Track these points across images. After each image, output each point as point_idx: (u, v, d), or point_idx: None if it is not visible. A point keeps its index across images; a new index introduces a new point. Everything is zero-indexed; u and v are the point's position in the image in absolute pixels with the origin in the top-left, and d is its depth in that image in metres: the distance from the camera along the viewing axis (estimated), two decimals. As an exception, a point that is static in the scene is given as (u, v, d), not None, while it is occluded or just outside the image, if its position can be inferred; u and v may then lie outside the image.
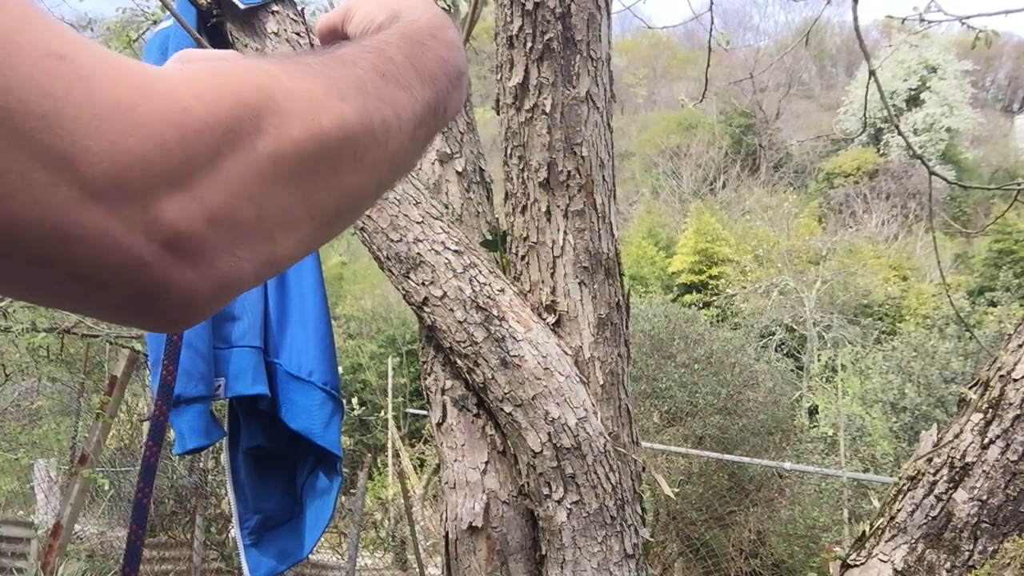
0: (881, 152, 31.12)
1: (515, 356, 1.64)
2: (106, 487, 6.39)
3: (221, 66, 0.38)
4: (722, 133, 32.48)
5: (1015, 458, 1.47)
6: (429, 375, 1.86)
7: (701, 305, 19.17)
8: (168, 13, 1.92)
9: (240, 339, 2.02)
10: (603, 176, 1.70)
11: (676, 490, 6.88)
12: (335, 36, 0.65)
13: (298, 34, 1.86)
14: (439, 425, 1.84)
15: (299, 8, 1.93)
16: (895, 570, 1.55)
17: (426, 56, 0.52)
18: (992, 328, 11.27)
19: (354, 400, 10.89)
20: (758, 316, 18.33)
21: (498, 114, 1.76)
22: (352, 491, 6.86)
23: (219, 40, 1.93)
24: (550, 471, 1.63)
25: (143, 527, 0.73)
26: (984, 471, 1.49)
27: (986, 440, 1.50)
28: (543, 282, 1.72)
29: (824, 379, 15.19)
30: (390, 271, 1.74)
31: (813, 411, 13.68)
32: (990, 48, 2.92)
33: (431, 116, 0.50)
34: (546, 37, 1.59)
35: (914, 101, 31.74)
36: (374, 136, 0.43)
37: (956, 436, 1.55)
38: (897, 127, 2.73)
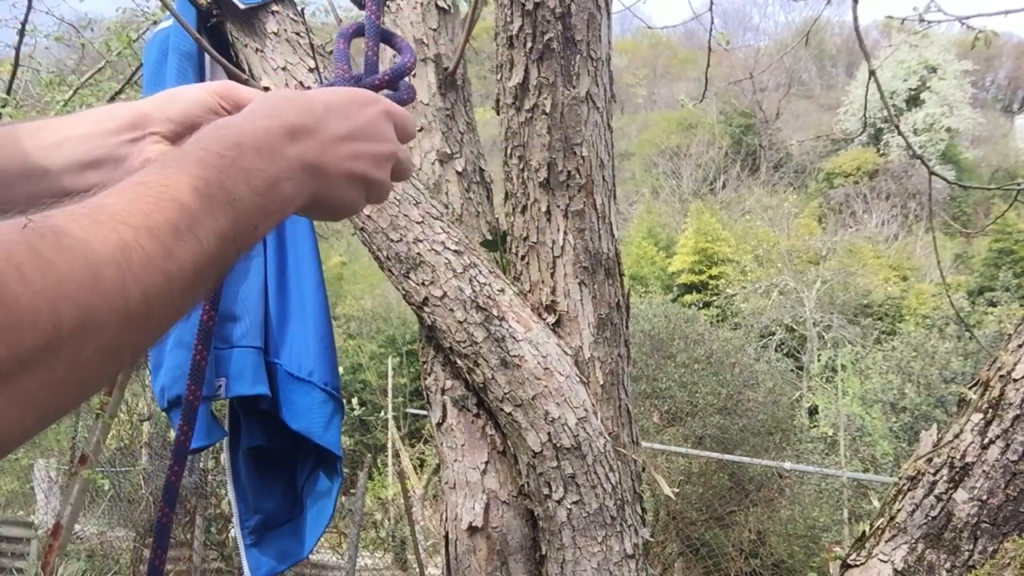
0: (881, 152, 31.11)
1: (515, 356, 1.64)
2: (106, 487, 6.39)
3: None
4: (722, 133, 32.48)
5: (1015, 458, 1.47)
6: (429, 375, 1.86)
7: (701, 305, 19.16)
8: (168, 13, 1.92)
9: (241, 339, 2.02)
10: (603, 176, 1.70)
11: (676, 490, 6.88)
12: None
13: (298, 34, 1.86)
14: (439, 425, 1.84)
15: (299, 8, 1.93)
16: (895, 570, 1.55)
17: (238, 180, 0.52)
18: (992, 328, 11.28)
19: (354, 400, 10.88)
20: (758, 316, 18.33)
21: (498, 114, 1.76)
22: (352, 491, 6.86)
23: (219, 40, 1.93)
24: (550, 471, 1.63)
25: (172, 507, 0.75)
26: (984, 471, 1.49)
27: (986, 440, 1.50)
28: (543, 282, 1.72)
29: (824, 379, 15.19)
30: (390, 271, 1.74)
31: (813, 411, 13.68)
32: (990, 48, 2.92)
33: (227, 246, 0.50)
34: (546, 37, 1.59)
35: (914, 101, 31.74)
36: (126, 318, 0.43)
37: (956, 436, 1.55)
38: (897, 127, 2.73)
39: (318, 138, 0.61)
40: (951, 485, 1.52)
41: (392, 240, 1.70)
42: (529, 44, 1.60)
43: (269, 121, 0.58)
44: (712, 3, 3.17)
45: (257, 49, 1.83)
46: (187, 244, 0.47)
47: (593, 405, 1.67)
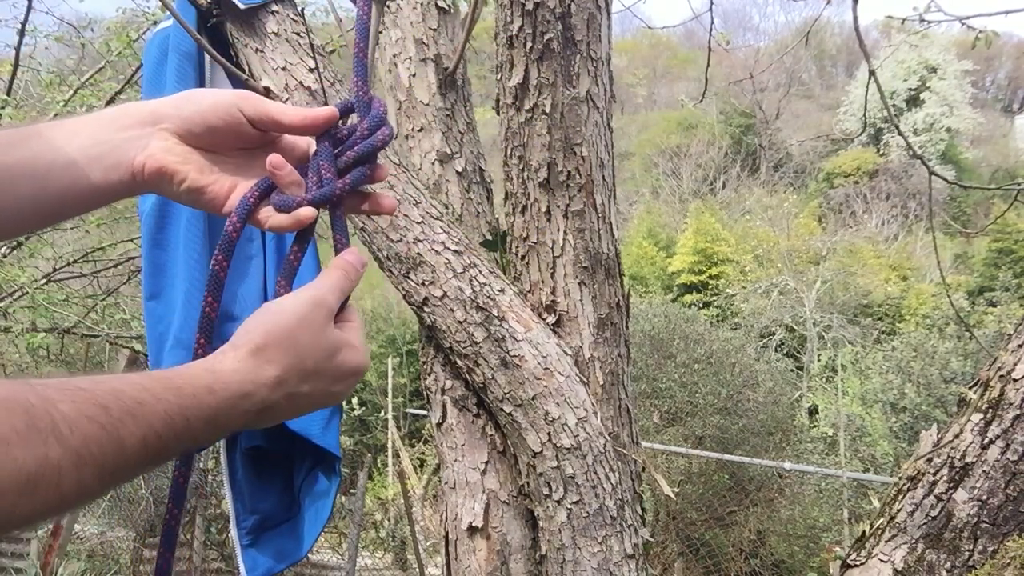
0: (881, 152, 31.12)
1: (515, 356, 1.64)
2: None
3: None
4: (722, 133, 32.48)
5: (1015, 458, 1.47)
6: (429, 375, 1.86)
7: (701, 305, 19.18)
8: (168, 13, 1.92)
9: (240, 339, 2.02)
10: (603, 176, 1.69)
11: (676, 490, 6.88)
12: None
13: (298, 34, 1.86)
14: (439, 425, 1.84)
15: (299, 8, 1.93)
16: (895, 570, 1.55)
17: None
18: (992, 328, 11.28)
19: (354, 400, 10.88)
20: (758, 316, 18.33)
21: (498, 114, 1.76)
22: (352, 491, 6.86)
23: (219, 40, 1.93)
24: (550, 471, 1.63)
25: (180, 509, 0.76)
26: (984, 471, 1.49)
27: (986, 440, 1.50)
28: (543, 282, 1.72)
29: (824, 379, 15.19)
30: (390, 271, 1.74)
31: (813, 411, 13.68)
32: (990, 48, 2.92)
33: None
34: (546, 37, 1.59)
35: (914, 101, 31.74)
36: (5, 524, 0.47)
37: (956, 436, 1.55)
38: (897, 127, 2.73)
39: (279, 409, 0.65)
40: (951, 485, 1.52)
41: (392, 240, 1.70)
42: (529, 44, 1.60)
43: (252, 404, 0.62)
44: (712, 3, 3.17)
45: (257, 49, 1.83)
46: (101, 481, 0.51)
47: (593, 405, 1.67)
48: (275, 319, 0.65)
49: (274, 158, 0.73)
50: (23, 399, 0.47)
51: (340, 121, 0.77)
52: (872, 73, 2.46)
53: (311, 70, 1.80)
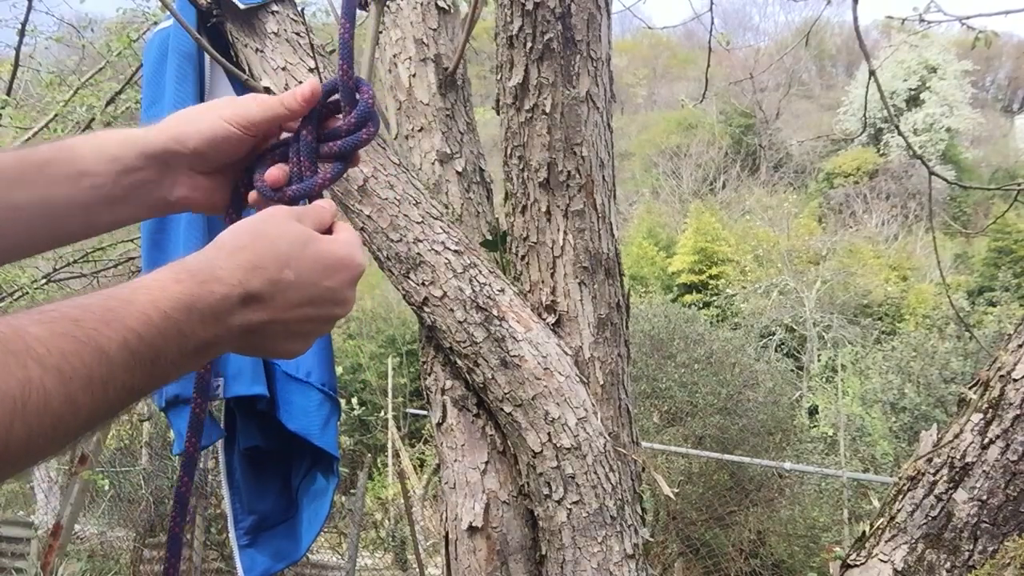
0: (881, 152, 31.11)
1: (515, 356, 1.64)
2: (106, 487, 6.39)
3: None
4: (722, 133, 32.48)
5: (1015, 458, 1.47)
6: (429, 375, 1.86)
7: (701, 305, 19.17)
8: (168, 13, 1.92)
9: (240, 339, 2.02)
10: (603, 176, 1.69)
11: (676, 490, 6.88)
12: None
13: (298, 34, 1.86)
14: (439, 425, 1.84)
15: (299, 8, 1.93)
16: (895, 570, 1.55)
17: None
18: (992, 328, 11.27)
19: (354, 400, 10.88)
20: (758, 316, 18.32)
21: (498, 114, 1.76)
22: (352, 491, 6.86)
23: (219, 40, 1.93)
24: (550, 471, 1.63)
25: (183, 517, 0.76)
26: (984, 471, 1.49)
27: (986, 440, 1.50)
28: (543, 282, 1.72)
29: (824, 379, 15.18)
30: (390, 271, 1.74)
31: (813, 411, 13.67)
32: (990, 48, 2.92)
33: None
34: (546, 37, 1.59)
35: (914, 101, 31.73)
36: (2, 452, 0.45)
37: (956, 436, 1.55)
38: (897, 127, 2.73)
39: (272, 306, 0.62)
40: (951, 485, 1.52)
41: (392, 240, 1.70)
42: (529, 44, 1.60)
43: (229, 288, 0.59)
44: (712, 3, 3.17)
45: (257, 49, 1.83)
46: (93, 396, 0.49)
47: (593, 405, 1.67)
48: (233, 226, 0.64)
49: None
50: None
51: (325, 99, 0.77)
52: (872, 73, 2.46)
53: (311, 70, 1.80)
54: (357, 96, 0.76)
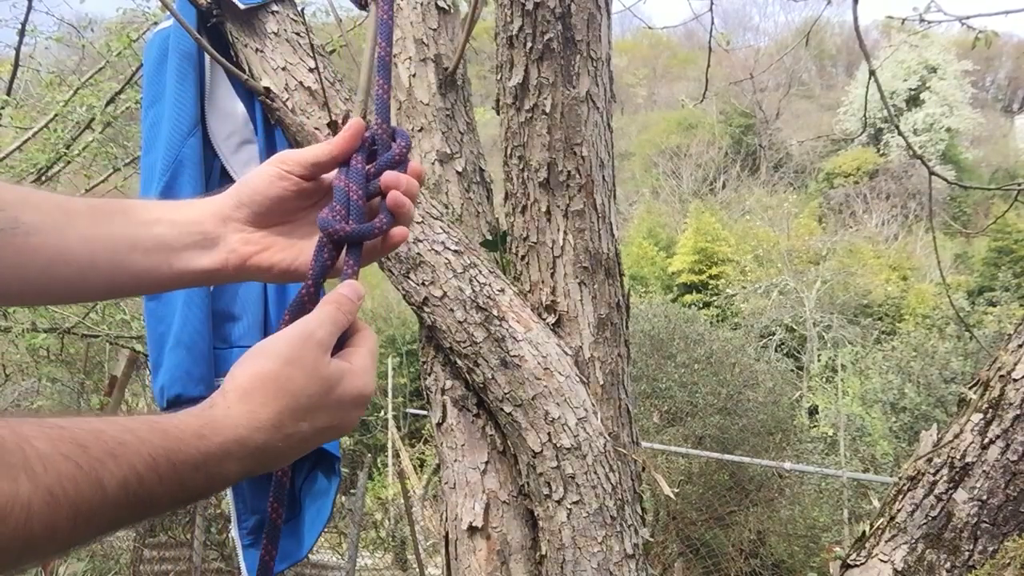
0: (881, 152, 31.13)
1: (515, 356, 1.64)
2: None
3: None
4: (722, 133, 32.49)
5: (1015, 458, 1.47)
6: (429, 375, 1.86)
7: (701, 305, 19.18)
8: (168, 13, 1.92)
9: (240, 339, 2.02)
10: (603, 176, 1.69)
11: (676, 490, 6.88)
12: None
13: (298, 34, 1.86)
14: (439, 425, 1.84)
15: (299, 8, 1.93)
16: (895, 570, 1.55)
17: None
18: (992, 328, 11.27)
19: (354, 400, 10.85)
20: (758, 316, 18.33)
21: (498, 114, 1.76)
22: (352, 491, 6.86)
23: (219, 40, 1.93)
24: (550, 471, 1.63)
25: (282, 504, 0.83)
26: (984, 471, 1.49)
27: (986, 440, 1.50)
28: (543, 282, 1.72)
29: (824, 379, 15.19)
30: (390, 271, 1.74)
31: (813, 411, 13.67)
32: (990, 48, 2.92)
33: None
34: (546, 37, 1.59)
35: (914, 101, 31.75)
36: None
37: (956, 436, 1.55)
38: (897, 127, 2.73)
39: (281, 453, 0.62)
40: (951, 485, 1.52)
41: (392, 240, 1.70)
42: (529, 44, 1.60)
43: (245, 453, 0.59)
44: (712, 3, 3.17)
45: (257, 49, 1.83)
46: (76, 525, 0.48)
47: (593, 405, 1.67)
48: (262, 362, 0.63)
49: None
50: None
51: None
52: (872, 73, 2.46)
53: (311, 70, 1.80)
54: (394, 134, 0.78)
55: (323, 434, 0.65)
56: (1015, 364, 1.51)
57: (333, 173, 0.77)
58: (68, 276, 0.72)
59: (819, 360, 17.29)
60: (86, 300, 0.80)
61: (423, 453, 10.49)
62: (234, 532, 2.16)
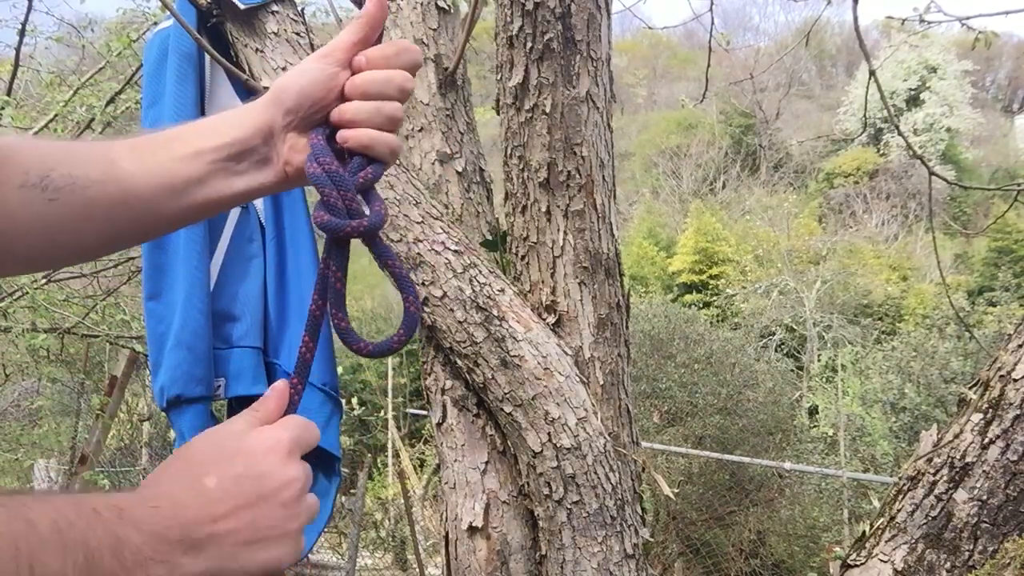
0: (881, 152, 31.11)
1: (515, 356, 1.64)
2: (106, 487, 6.39)
3: None
4: (722, 133, 32.47)
5: (1015, 458, 1.47)
6: (429, 375, 1.86)
7: (701, 305, 19.17)
8: (168, 13, 1.92)
9: (240, 340, 2.02)
10: (603, 176, 1.70)
11: (676, 490, 6.88)
12: None
13: (298, 34, 1.86)
14: (439, 425, 1.84)
15: (299, 8, 1.93)
16: (895, 570, 1.55)
17: None
18: (992, 328, 11.27)
19: (354, 400, 10.87)
20: (758, 316, 18.32)
21: (498, 114, 1.76)
22: (352, 491, 6.86)
23: (219, 40, 1.93)
24: (550, 471, 1.63)
25: (315, 339, 0.76)
26: (984, 471, 1.49)
27: (986, 440, 1.50)
28: (543, 282, 1.72)
29: (824, 379, 15.18)
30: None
31: (813, 411, 13.66)
32: (990, 48, 2.92)
33: None
34: (546, 37, 1.59)
35: (914, 101, 31.73)
36: None
37: (956, 436, 1.55)
38: (897, 127, 2.73)
39: (189, 503, 0.56)
40: (951, 485, 1.52)
41: (392, 240, 1.70)
42: (529, 44, 1.60)
43: (165, 527, 0.53)
44: (712, 3, 3.17)
45: (257, 49, 1.83)
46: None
47: (593, 405, 1.67)
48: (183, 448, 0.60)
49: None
50: None
51: None
52: (872, 73, 2.46)
53: (311, 70, 1.80)
54: None
55: (240, 484, 0.58)
56: (1015, 364, 1.51)
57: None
58: (133, 217, 0.73)
59: (819, 360, 17.28)
60: (158, 235, 0.79)
61: (423, 453, 10.49)
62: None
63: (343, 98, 0.75)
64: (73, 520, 0.48)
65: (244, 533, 0.57)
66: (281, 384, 0.69)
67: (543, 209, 1.68)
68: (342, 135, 0.73)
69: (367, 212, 0.73)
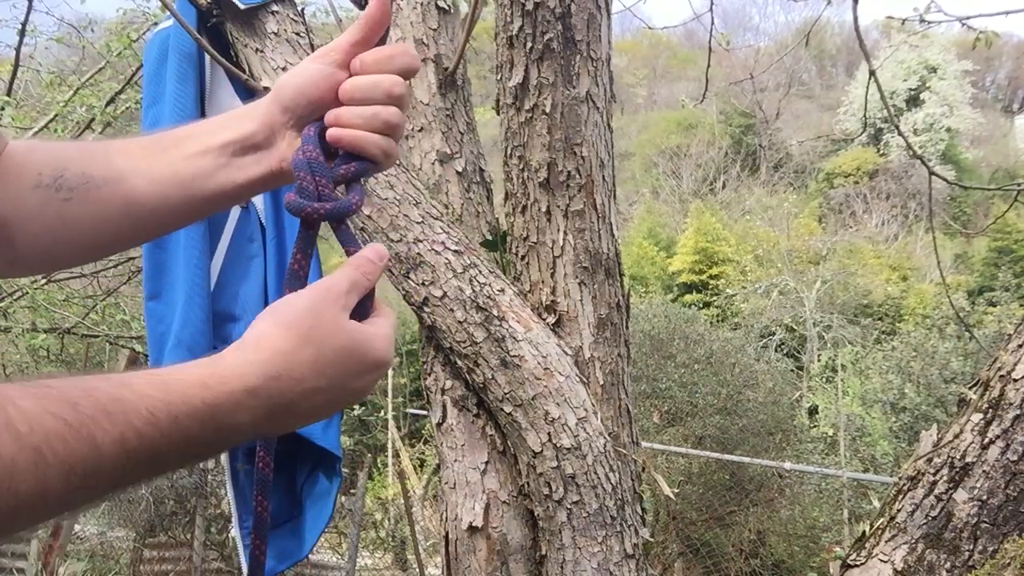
0: (881, 152, 31.11)
1: (515, 356, 1.64)
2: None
3: None
4: (722, 133, 32.48)
5: (1015, 458, 1.47)
6: (429, 375, 1.86)
7: (701, 305, 19.17)
8: (168, 13, 1.92)
9: (240, 339, 2.02)
10: (603, 176, 1.69)
11: (676, 490, 6.88)
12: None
13: (298, 34, 1.86)
14: (439, 425, 1.84)
15: (299, 8, 1.93)
16: (895, 570, 1.55)
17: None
18: (992, 328, 11.26)
19: (354, 400, 10.84)
20: (758, 316, 18.32)
21: (498, 114, 1.76)
22: (352, 491, 6.87)
23: (219, 40, 1.93)
24: (550, 471, 1.63)
25: (264, 541, 0.77)
26: (984, 471, 1.49)
27: (986, 440, 1.50)
28: (543, 282, 1.72)
29: (824, 379, 15.18)
30: (390, 271, 1.74)
31: (813, 411, 13.66)
32: (990, 48, 2.92)
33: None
34: (546, 37, 1.59)
35: (914, 101, 31.73)
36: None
37: (956, 436, 1.55)
38: (897, 127, 2.73)
39: (297, 402, 0.59)
40: (951, 485, 1.52)
41: (392, 240, 1.70)
42: (529, 44, 1.60)
43: (258, 404, 0.56)
44: (712, 3, 3.17)
45: (257, 49, 1.83)
46: (69, 485, 0.46)
47: (593, 405, 1.67)
48: (284, 311, 0.60)
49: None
50: None
51: None
52: (872, 73, 2.46)
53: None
54: None
55: (339, 397, 0.62)
56: (1015, 364, 1.51)
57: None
58: (146, 215, 0.75)
59: (819, 360, 17.28)
60: (168, 232, 0.82)
61: (423, 453, 10.49)
62: (235, 532, 2.16)
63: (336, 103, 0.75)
64: (144, 433, 0.50)
65: (311, 416, 0.62)
66: (374, 254, 0.69)
67: (543, 209, 1.68)
68: (331, 134, 0.72)
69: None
